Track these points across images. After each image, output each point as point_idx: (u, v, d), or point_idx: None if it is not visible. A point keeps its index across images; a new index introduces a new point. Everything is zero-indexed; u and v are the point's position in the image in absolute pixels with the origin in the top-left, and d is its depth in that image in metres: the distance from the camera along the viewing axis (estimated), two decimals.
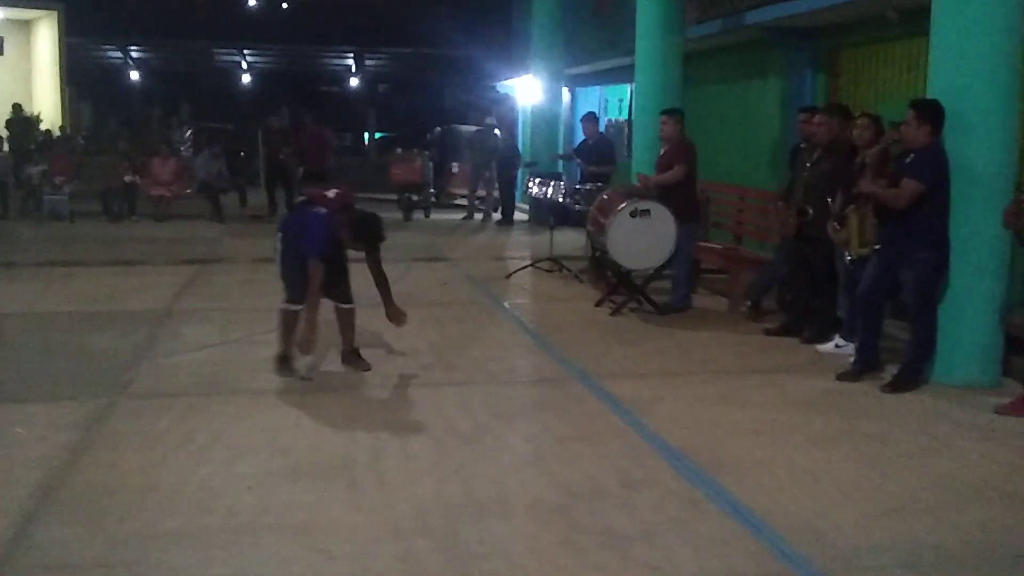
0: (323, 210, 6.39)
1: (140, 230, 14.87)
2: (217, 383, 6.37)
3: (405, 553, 3.90)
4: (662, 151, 9.12)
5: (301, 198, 6.82)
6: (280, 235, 6.50)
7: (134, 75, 36.34)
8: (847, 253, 6.79)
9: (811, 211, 7.41)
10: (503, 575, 3.73)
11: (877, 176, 6.35)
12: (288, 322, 6.48)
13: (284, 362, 6.54)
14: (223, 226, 15.36)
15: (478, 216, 17.05)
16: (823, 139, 7.46)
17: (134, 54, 35.13)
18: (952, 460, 5.06)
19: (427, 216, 17.57)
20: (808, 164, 7.60)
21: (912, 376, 6.32)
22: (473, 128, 19.92)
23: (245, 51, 35.27)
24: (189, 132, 27.35)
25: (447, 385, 6.41)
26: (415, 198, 17.52)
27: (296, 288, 6.37)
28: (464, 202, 18.12)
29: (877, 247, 6.41)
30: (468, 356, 7.20)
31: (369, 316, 7.80)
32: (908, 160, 6.23)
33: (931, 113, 6.19)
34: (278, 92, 31.72)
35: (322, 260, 6.19)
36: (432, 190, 18.88)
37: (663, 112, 9.22)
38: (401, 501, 4.43)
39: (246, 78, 38.24)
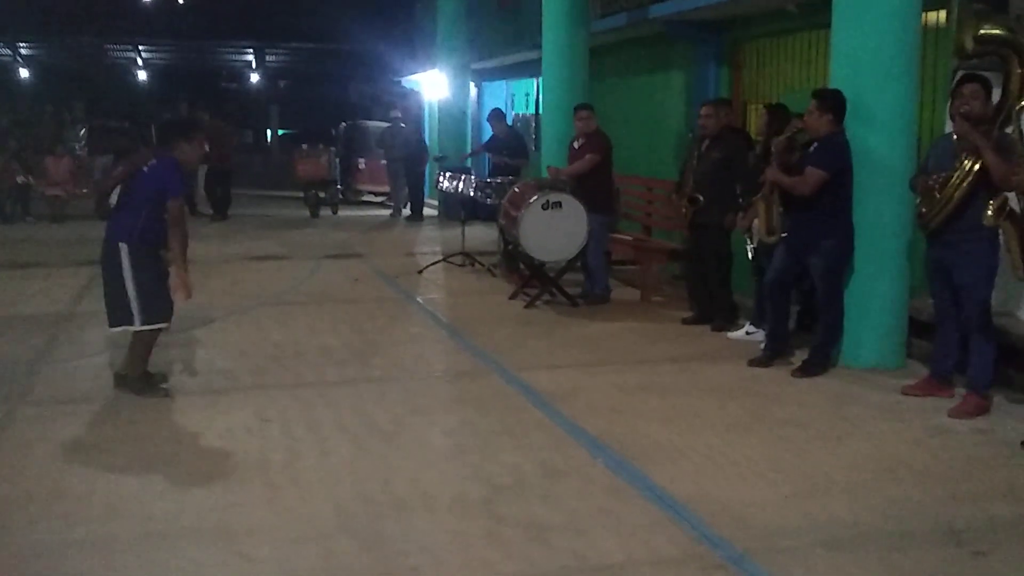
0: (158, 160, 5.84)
1: (35, 231, 14.33)
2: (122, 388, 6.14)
3: (327, 553, 3.82)
4: (576, 144, 9.15)
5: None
6: (125, 245, 5.74)
7: (24, 73, 34.99)
8: (748, 241, 6.93)
9: (701, 199, 7.62)
10: (427, 571, 3.68)
11: (782, 165, 6.48)
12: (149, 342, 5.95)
13: (147, 379, 5.99)
14: None
15: (405, 212, 16.83)
16: (711, 130, 7.71)
17: (23, 51, 33.83)
18: (864, 440, 5.18)
19: (335, 213, 17.34)
20: (697, 154, 7.82)
21: (822, 360, 6.46)
22: (382, 124, 19.72)
23: (140, 47, 34.29)
24: (84, 130, 26.45)
25: (363, 382, 6.33)
26: (322, 195, 17.28)
27: (155, 304, 5.83)
28: (372, 199, 17.93)
29: (784, 235, 6.54)
30: (383, 352, 7.11)
31: (283, 315, 7.66)
32: (811, 149, 6.38)
33: (833, 102, 6.33)
34: (176, 89, 30.91)
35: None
36: (339, 186, 18.65)
37: (580, 106, 9.26)
38: (321, 500, 4.34)
39: (142, 74, 37.20)
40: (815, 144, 6.36)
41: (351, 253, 12.41)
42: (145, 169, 5.81)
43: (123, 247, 5.73)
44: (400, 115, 17.98)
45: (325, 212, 17.09)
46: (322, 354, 7.04)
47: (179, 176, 5.88)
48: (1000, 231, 5.32)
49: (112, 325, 5.87)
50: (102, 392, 6.01)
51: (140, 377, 5.94)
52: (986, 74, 5.69)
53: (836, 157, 6.28)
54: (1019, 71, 5.34)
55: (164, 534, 3.97)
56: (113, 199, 5.94)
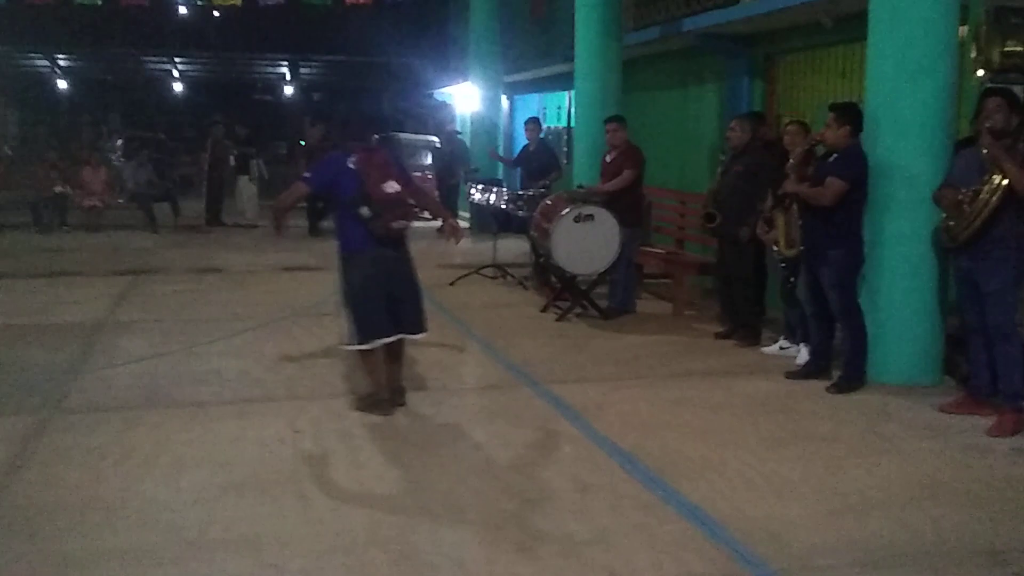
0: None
1: (72, 241, 14.48)
2: (155, 396, 6.19)
3: (358, 564, 3.81)
4: (608, 157, 9.14)
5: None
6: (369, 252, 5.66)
7: (62, 84, 35.48)
8: (776, 254, 6.90)
9: (718, 216, 7.64)
10: None
11: (800, 177, 6.48)
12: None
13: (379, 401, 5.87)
14: (157, 236, 15.04)
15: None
16: (736, 144, 7.74)
17: (61, 62, 34.30)
18: (900, 458, 5.11)
19: None
20: (723, 168, 7.85)
21: (855, 374, 6.40)
22: (415, 136, 19.73)
23: (176, 59, 34.67)
24: (120, 141, 26.80)
25: None
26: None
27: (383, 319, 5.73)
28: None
29: (803, 248, 6.54)
30: (414, 364, 7.10)
31: (315, 325, 7.69)
32: (831, 160, 6.41)
33: (849, 115, 6.40)
34: (211, 101, 31.23)
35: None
36: None
37: (610, 119, 9.25)
38: (352, 512, 4.34)
39: (177, 86, 37.60)
40: (834, 155, 6.38)
41: None
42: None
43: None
44: (457, 128, 17.82)
45: None
46: (354, 366, 7.03)
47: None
48: None
49: (419, 333, 6.00)
50: (136, 400, 6.06)
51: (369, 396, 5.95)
52: (1012, 88, 5.65)
53: (855, 167, 6.31)
54: None
55: (195, 544, 3.98)
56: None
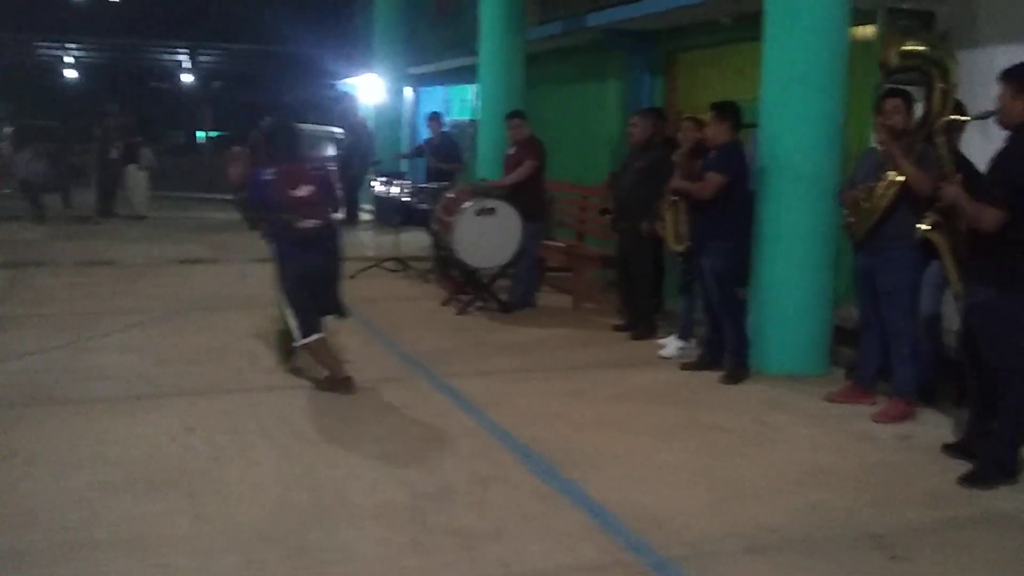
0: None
1: None
2: (41, 393, 5.98)
3: (248, 562, 3.75)
4: (510, 151, 9.16)
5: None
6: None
7: None
8: (671, 249, 7.06)
9: (611, 210, 7.79)
10: None
11: (685, 174, 6.64)
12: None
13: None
14: (45, 227, 14.50)
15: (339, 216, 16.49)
16: (638, 139, 7.86)
17: None
18: (787, 446, 5.26)
19: None
20: (624, 163, 7.97)
21: (741, 364, 6.58)
22: (319, 127, 19.42)
23: (69, 45, 33.47)
24: (9, 129, 25.74)
25: (290, 388, 6.23)
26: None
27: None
28: None
29: (690, 242, 6.75)
30: (311, 358, 7.01)
31: (209, 320, 7.53)
32: (711, 155, 6.62)
33: (728, 113, 6.61)
34: (106, 88, 30.23)
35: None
36: None
37: (512, 114, 9.27)
38: (243, 509, 4.27)
39: (71, 73, 36.32)
40: (714, 151, 6.60)
41: None
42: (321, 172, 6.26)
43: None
44: (364, 120, 17.61)
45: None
46: (248, 360, 6.93)
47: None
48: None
49: (344, 316, 6.43)
50: (20, 398, 5.85)
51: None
52: (908, 88, 5.83)
53: (732, 162, 6.52)
54: (941, 86, 5.46)
55: (80, 544, 3.86)
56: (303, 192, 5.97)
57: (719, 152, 6.58)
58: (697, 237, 6.70)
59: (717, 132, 6.59)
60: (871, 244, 5.71)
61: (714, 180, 6.48)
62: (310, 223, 5.99)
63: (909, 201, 5.48)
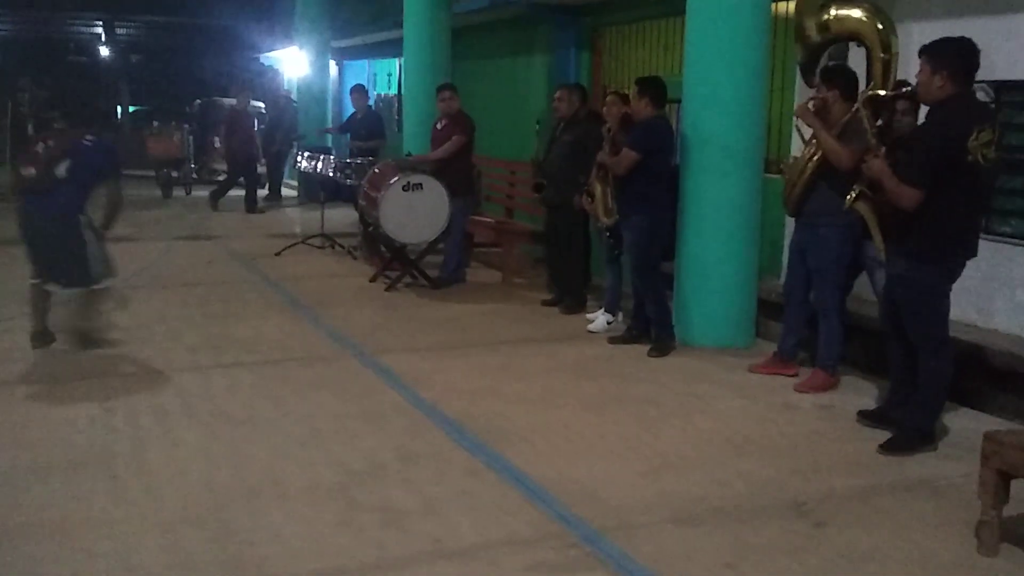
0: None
1: None
2: None
3: (172, 545, 3.67)
4: (439, 125, 9.08)
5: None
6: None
7: None
8: (597, 223, 7.08)
9: (544, 183, 7.78)
10: (277, 560, 3.58)
11: (613, 148, 6.68)
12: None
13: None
14: None
15: (263, 192, 16.28)
16: (564, 114, 7.84)
17: None
18: (714, 418, 5.33)
19: (188, 193, 16.77)
20: (552, 138, 7.97)
21: (666, 335, 6.66)
22: (257, 103, 19.07)
23: None
24: None
25: (215, 368, 6.12)
26: (174, 174, 16.67)
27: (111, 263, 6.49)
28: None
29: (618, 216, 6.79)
30: (237, 337, 6.91)
31: (131, 299, 7.35)
32: (631, 131, 6.65)
33: (649, 88, 6.64)
34: (18, 62, 29.20)
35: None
36: (193, 165, 18.01)
37: (442, 87, 9.19)
38: (167, 491, 4.18)
39: None
40: (634, 127, 6.64)
41: (205, 235, 12.02)
42: (88, 145, 6.35)
43: (82, 219, 6.24)
44: (290, 94, 17.30)
45: (178, 192, 16.50)
46: (172, 339, 6.78)
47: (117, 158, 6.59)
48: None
49: (68, 286, 6.32)
50: None
51: (87, 331, 6.52)
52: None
53: (649, 138, 6.56)
54: (882, 56, 5.46)
55: None
56: (61, 171, 6.18)
57: (637, 128, 6.63)
58: (621, 210, 6.76)
59: (638, 107, 6.64)
60: (804, 219, 5.78)
61: (627, 156, 6.52)
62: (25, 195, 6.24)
63: (834, 176, 5.49)
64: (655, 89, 6.65)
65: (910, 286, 4.72)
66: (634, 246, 6.67)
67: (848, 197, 5.20)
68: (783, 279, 6.30)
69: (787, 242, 6.38)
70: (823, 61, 6.10)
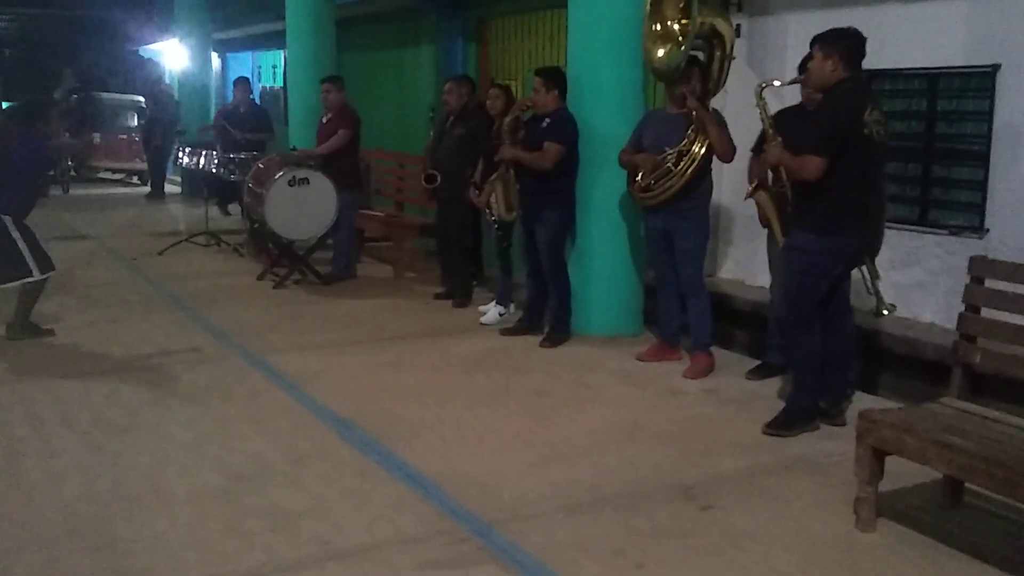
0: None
1: None
2: None
3: (51, 560, 3.54)
4: (324, 119, 8.95)
5: None
6: None
7: None
8: (491, 217, 7.07)
9: (438, 176, 7.70)
10: (160, 570, 3.48)
11: (512, 142, 6.65)
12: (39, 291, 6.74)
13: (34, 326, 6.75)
14: None
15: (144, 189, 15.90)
16: (453, 107, 7.76)
17: None
18: (603, 406, 5.40)
19: (66, 192, 16.19)
20: (442, 130, 7.90)
21: (563, 327, 6.69)
22: (120, 96, 18.49)
23: None
24: None
25: (94, 374, 5.91)
26: (50, 172, 16.04)
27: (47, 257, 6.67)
28: (109, 176, 16.87)
29: (520, 211, 6.76)
30: (117, 341, 6.69)
31: (2, 304, 7.06)
32: (544, 124, 6.56)
33: (556, 79, 6.61)
34: None
35: None
36: (70, 163, 17.38)
37: (326, 79, 9.05)
38: (45, 504, 4.03)
39: None
40: (547, 119, 6.54)
41: (83, 234, 11.62)
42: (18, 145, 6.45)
43: (7, 219, 6.38)
44: (170, 89, 16.84)
45: (55, 191, 15.89)
46: (46, 347, 6.53)
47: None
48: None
49: (4, 282, 6.52)
50: None
51: (30, 323, 6.70)
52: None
53: (569, 131, 6.53)
54: (719, 54, 5.82)
55: None
56: None
57: (553, 121, 6.50)
58: (529, 206, 6.65)
59: (547, 100, 6.52)
60: (670, 206, 5.88)
61: (554, 150, 6.39)
62: None
63: (707, 164, 5.76)
64: (562, 80, 6.58)
65: (800, 258, 4.79)
66: (549, 243, 6.58)
67: (748, 188, 5.38)
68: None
69: None
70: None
